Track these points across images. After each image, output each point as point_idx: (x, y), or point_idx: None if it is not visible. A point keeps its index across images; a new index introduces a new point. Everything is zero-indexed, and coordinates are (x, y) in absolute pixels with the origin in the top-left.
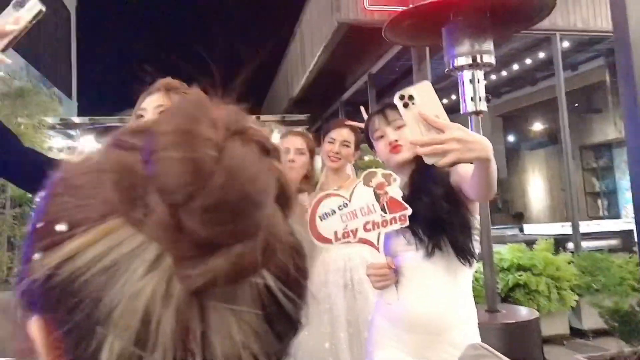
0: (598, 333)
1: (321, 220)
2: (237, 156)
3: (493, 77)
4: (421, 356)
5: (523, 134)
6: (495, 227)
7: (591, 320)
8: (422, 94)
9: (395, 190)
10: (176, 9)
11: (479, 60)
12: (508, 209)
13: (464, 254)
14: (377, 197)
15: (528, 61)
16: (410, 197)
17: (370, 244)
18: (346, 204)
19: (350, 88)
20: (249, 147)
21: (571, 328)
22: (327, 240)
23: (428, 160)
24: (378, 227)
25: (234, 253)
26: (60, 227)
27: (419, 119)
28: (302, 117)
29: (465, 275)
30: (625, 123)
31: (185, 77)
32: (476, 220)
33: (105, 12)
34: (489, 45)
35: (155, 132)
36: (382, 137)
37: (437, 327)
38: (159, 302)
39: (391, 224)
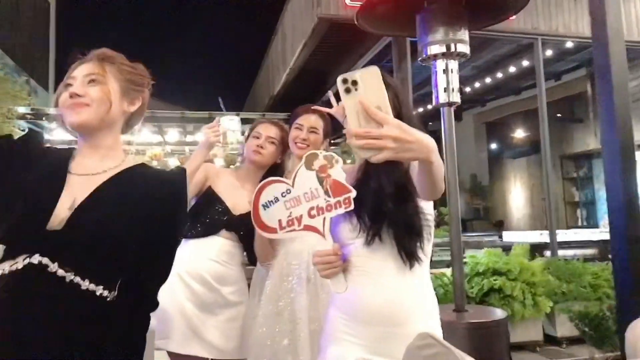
0: (572, 340)
1: (264, 209)
2: None
3: (477, 84)
4: (378, 350)
5: (506, 142)
6: (474, 233)
7: (565, 327)
8: (368, 80)
9: (338, 173)
10: (157, 3)
11: (453, 49)
12: (489, 217)
13: (407, 254)
14: (320, 180)
15: (512, 69)
16: (360, 181)
17: (316, 230)
18: (289, 190)
19: (332, 87)
20: None
21: (545, 335)
22: (271, 230)
23: (361, 154)
24: (323, 212)
25: None
26: None
27: (359, 108)
28: (282, 115)
29: (420, 268)
30: (601, 125)
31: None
32: (428, 219)
33: (86, 4)
34: (463, 34)
35: None
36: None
37: (392, 318)
38: None
39: (336, 207)
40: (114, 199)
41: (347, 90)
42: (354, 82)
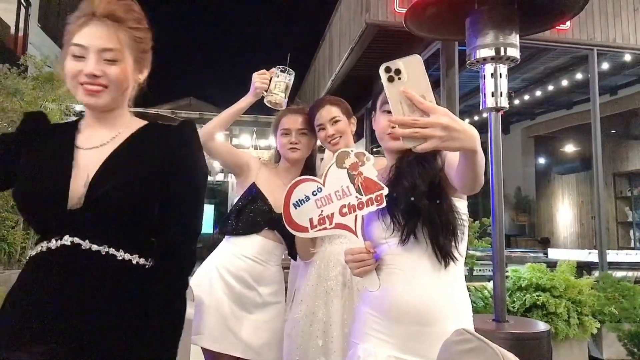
0: None
1: (295, 207)
2: None
3: (527, 97)
4: (409, 349)
5: (555, 157)
6: (518, 249)
7: (611, 350)
8: (411, 69)
9: (370, 170)
10: (205, 6)
11: (502, 53)
12: (534, 233)
13: (441, 252)
14: (352, 178)
15: (564, 82)
16: (393, 180)
17: (348, 228)
18: (320, 189)
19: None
20: None
21: (590, 357)
22: (303, 229)
23: (406, 143)
24: (354, 210)
25: None
26: None
27: (403, 97)
28: None
29: (455, 267)
30: None
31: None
32: (463, 218)
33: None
34: (514, 38)
35: None
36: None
37: (425, 317)
38: None
39: (367, 205)
40: (125, 166)
41: (390, 79)
42: (397, 71)
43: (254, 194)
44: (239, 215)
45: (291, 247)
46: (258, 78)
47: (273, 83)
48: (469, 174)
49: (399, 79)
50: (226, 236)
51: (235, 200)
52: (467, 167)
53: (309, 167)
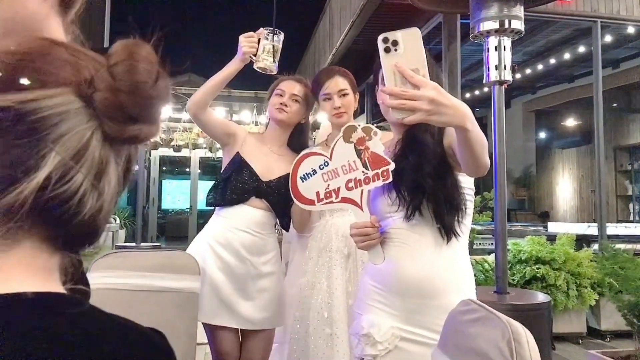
0: (616, 335)
1: (302, 181)
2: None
3: (528, 71)
4: (412, 321)
5: (556, 132)
6: (518, 223)
7: (610, 321)
8: (408, 41)
9: (377, 145)
10: None
11: (506, 25)
12: (533, 208)
13: (445, 228)
14: (359, 153)
15: (566, 55)
16: (399, 155)
17: (354, 202)
18: (327, 163)
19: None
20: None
21: (589, 328)
22: (309, 202)
23: (394, 114)
24: (360, 185)
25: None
26: (24, 81)
27: (396, 69)
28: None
29: (458, 242)
30: None
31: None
32: (468, 193)
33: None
34: (519, 10)
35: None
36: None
37: (428, 290)
38: (95, 138)
39: (374, 180)
40: None
41: (387, 50)
42: (395, 42)
43: (238, 163)
44: (225, 186)
45: (282, 216)
46: (245, 42)
47: (261, 47)
48: (466, 153)
49: (396, 50)
50: (216, 209)
51: (222, 171)
52: (463, 147)
53: (298, 139)
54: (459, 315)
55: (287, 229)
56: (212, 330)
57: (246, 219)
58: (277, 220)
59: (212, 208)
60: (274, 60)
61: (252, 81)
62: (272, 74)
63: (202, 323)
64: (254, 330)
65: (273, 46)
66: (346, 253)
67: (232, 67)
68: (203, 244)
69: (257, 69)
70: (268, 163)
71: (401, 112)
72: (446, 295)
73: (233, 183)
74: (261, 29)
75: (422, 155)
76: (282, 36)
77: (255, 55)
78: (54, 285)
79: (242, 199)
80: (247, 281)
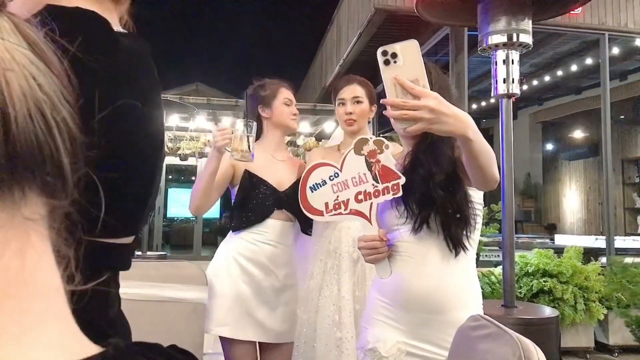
0: (624, 349)
1: (312, 191)
2: None
3: (535, 82)
4: (418, 335)
5: (563, 143)
6: (525, 235)
7: (618, 335)
8: (407, 53)
9: (388, 158)
10: None
11: (514, 39)
12: (540, 219)
13: (453, 241)
14: (369, 165)
15: (574, 67)
16: (409, 168)
17: (362, 215)
18: (337, 174)
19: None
20: None
21: (596, 342)
22: (318, 212)
23: (396, 125)
24: (370, 198)
25: None
26: None
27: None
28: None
29: (466, 256)
30: None
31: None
32: (477, 207)
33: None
34: (527, 24)
35: None
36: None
37: (433, 305)
38: None
39: (383, 193)
40: None
41: (386, 62)
42: (394, 55)
43: (250, 182)
44: (244, 207)
45: (304, 223)
46: (219, 136)
47: (237, 138)
48: (472, 165)
49: (395, 62)
50: (239, 232)
51: (235, 196)
52: (468, 158)
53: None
54: (468, 330)
55: (310, 234)
56: (231, 344)
57: (270, 232)
58: (300, 227)
59: (218, 217)
60: (250, 149)
61: (234, 89)
62: (250, 161)
63: (222, 337)
64: (275, 344)
65: (248, 137)
66: (355, 257)
67: (211, 165)
68: (228, 259)
69: (235, 160)
70: (277, 172)
71: (403, 122)
72: (453, 311)
73: (254, 202)
74: (237, 120)
75: (437, 162)
76: (254, 125)
77: (229, 146)
78: None
79: (266, 214)
80: (272, 294)
